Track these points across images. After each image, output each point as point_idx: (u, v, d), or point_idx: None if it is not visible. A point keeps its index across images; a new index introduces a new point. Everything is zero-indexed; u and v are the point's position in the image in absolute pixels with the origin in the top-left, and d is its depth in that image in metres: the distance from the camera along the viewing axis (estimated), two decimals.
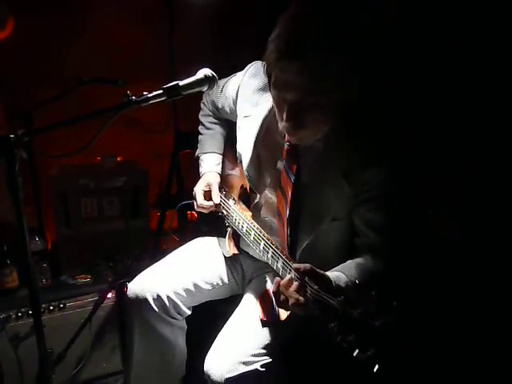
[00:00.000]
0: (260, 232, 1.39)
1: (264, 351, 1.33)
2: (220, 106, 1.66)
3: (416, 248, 1.53)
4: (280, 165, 1.41)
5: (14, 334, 1.88)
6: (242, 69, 1.53)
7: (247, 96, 1.46)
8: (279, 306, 1.20)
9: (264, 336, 1.36)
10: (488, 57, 1.73)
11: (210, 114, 1.74)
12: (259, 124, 1.40)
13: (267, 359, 1.33)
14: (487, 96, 1.74)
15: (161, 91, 1.14)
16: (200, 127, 1.78)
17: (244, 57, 1.57)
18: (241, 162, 1.48)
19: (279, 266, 1.25)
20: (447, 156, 1.85)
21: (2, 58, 2.36)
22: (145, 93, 1.11)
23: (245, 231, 1.47)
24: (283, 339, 1.38)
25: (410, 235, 1.33)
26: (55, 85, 2.31)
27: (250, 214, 1.54)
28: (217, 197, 1.59)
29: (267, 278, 1.56)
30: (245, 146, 1.46)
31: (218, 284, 1.63)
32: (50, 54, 2.50)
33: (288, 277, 1.13)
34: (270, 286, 1.48)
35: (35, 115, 2.20)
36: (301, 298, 1.06)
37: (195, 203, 1.64)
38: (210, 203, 1.60)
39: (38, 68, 2.46)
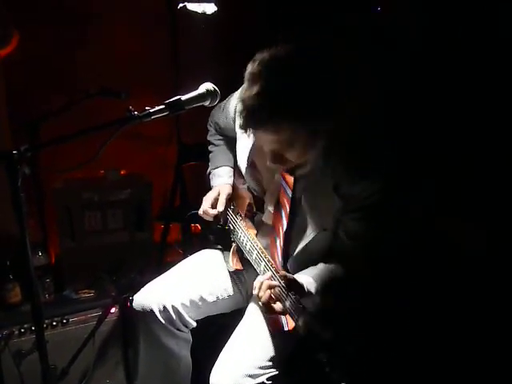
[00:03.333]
0: (262, 252, 1.41)
1: (270, 364, 1.34)
2: (222, 126, 1.71)
3: (403, 260, 1.59)
4: (277, 177, 1.46)
5: (17, 350, 1.87)
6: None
7: None
8: (259, 299, 1.27)
9: (269, 348, 1.36)
10: (488, 59, 1.73)
11: (216, 133, 1.79)
12: (252, 140, 1.46)
13: (273, 371, 1.33)
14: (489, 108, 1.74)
15: (163, 106, 1.15)
16: (209, 146, 1.82)
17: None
18: (241, 174, 1.56)
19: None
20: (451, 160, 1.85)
21: (8, 71, 2.38)
22: (147, 108, 1.12)
23: (248, 249, 1.50)
24: (288, 351, 1.38)
25: (390, 247, 1.36)
26: (60, 97, 2.33)
27: (255, 232, 1.56)
28: (222, 206, 1.62)
29: None
30: (241, 160, 1.53)
31: (222, 296, 1.63)
32: (54, 67, 2.53)
33: (268, 273, 1.29)
34: None
35: (40, 127, 2.21)
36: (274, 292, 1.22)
37: (201, 209, 1.65)
38: (214, 211, 1.61)
39: (42, 80, 2.49)
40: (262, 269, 1.37)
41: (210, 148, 1.81)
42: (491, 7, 1.73)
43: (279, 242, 1.42)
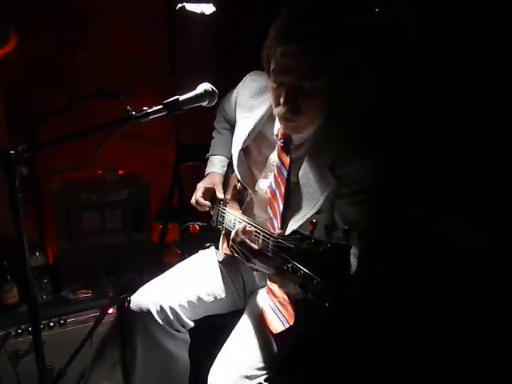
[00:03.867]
0: (250, 221, 1.38)
1: (267, 365, 1.34)
2: (228, 113, 1.73)
3: (401, 247, 1.57)
4: (273, 156, 1.45)
5: (14, 350, 1.86)
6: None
7: (243, 102, 1.55)
8: (234, 252, 1.29)
9: (267, 349, 1.36)
10: (488, 59, 1.73)
11: (223, 120, 1.80)
12: (253, 124, 1.47)
13: (271, 373, 1.33)
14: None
15: (161, 106, 1.15)
16: (213, 132, 1.84)
17: (247, 68, 1.59)
18: (232, 161, 1.55)
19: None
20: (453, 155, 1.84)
21: (7, 70, 2.37)
22: (145, 108, 1.12)
23: (233, 224, 1.49)
24: (285, 352, 1.38)
25: (389, 233, 1.34)
26: (57, 97, 2.33)
27: (241, 211, 1.57)
28: (221, 194, 1.62)
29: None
30: (236, 146, 1.52)
31: (220, 296, 1.63)
32: (53, 67, 2.52)
33: (243, 224, 1.29)
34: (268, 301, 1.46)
35: (38, 127, 2.21)
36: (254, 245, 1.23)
37: (193, 200, 1.64)
38: (207, 202, 1.61)
39: (41, 80, 2.48)
40: (253, 237, 1.33)
41: (214, 134, 1.83)
42: (491, 7, 1.73)
43: (276, 224, 1.39)
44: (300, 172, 1.35)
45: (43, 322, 1.91)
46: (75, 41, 2.57)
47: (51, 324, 1.94)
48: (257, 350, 1.36)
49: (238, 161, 1.52)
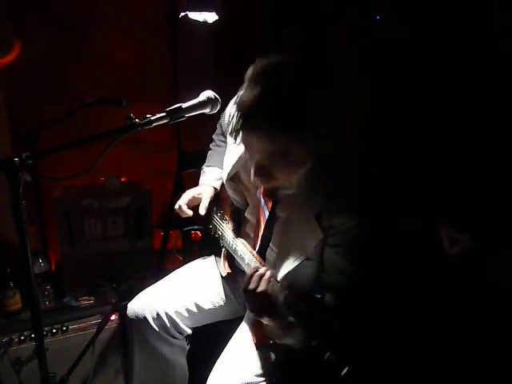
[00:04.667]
0: (245, 246, 1.39)
1: (266, 371, 1.32)
2: (223, 129, 1.70)
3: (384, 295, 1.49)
4: (257, 195, 1.43)
5: (17, 357, 1.87)
6: None
7: None
8: (244, 292, 1.22)
9: (266, 356, 1.35)
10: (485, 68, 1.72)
11: (221, 132, 1.78)
12: (241, 151, 1.42)
13: (269, 379, 1.32)
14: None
15: (164, 114, 1.15)
16: (211, 144, 1.82)
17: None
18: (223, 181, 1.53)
19: None
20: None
21: (9, 79, 2.39)
22: (148, 115, 1.12)
23: (234, 249, 1.48)
24: (284, 359, 1.35)
25: (371, 284, 1.31)
26: (61, 104, 2.34)
27: (234, 233, 1.55)
28: (203, 210, 1.59)
29: None
30: (226, 168, 1.50)
31: (218, 303, 1.62)
32: (55, 74, 2.54)
33: (263, 269, 1.21)
34: None
35: (41, 135, 2.22)
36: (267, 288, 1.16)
37: (176, 204, 1.62)
38: (189, 212, 1.59)
39: (43, 88, 2.50)
40: (246, 263, 1.34)
41: (211, 146, 1.81)
42: (489, 10, 1.73)
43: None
44: (287, 213, 1.33)
45: (46, 328, 1.91)
46: (78, 49, 2.59)
47: (54, 331, 1.95)
48: (256, 356, 1.35)
49: (228, 186, 1.52)
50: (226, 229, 1.58)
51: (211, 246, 1.71)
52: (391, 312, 1.64)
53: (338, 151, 1.24)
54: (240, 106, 1.16)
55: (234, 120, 1.18)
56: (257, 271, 1.21)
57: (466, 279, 1.61)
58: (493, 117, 1.65)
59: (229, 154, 1.51)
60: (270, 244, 1.37)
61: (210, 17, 2.48)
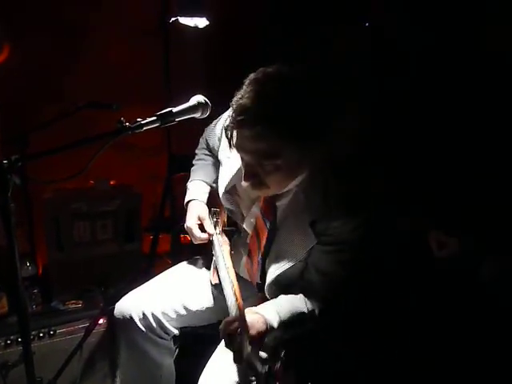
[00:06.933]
0: (229, 276, 1.38)
1: (257, 371, 1.31)
2: (211, 145, 1.70)
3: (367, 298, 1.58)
4: (256, 208, 1.44)
5: (3, 361, 1.85)
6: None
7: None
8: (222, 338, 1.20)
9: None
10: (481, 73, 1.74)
11: (205, 148, 1.78)
12: (236, 167, 1.43)
13: (261, 379, 1.31)
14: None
15: (154, 118, 1.16)
16: (194, 160, 1.81)
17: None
18: (219, 195, 1.53)
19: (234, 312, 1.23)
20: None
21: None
22: (138, 119, 1.13)
23: (220, 266, 1.46)
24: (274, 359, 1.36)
25: (356, 287, 1.36)
26: (51, 107, 2.33)
27: (229, 248, 1.56)
28: (211, 228, 1.59)
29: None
30: (222, 182, 1.50)
31: (206, 305, 1.62)
32: (46, 77, 2.53)
33: (233, 317, 1.19)
34: None
35: (31, 138, 2.21)
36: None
37: (193, 239, 1.61)
38: (206, 235, 1.58)
39: (34, 91, 2.49)
40: (227, 292, 1.33)
41: (194, 161, 1.80)
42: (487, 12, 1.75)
43: (255, 267, 1.42)
44: (281, 222, 1.35)
45: (33, 332, 1.90)
46: (69, 52, 2.59)
47: (41, 335, 1.93)
48: None
49: (224, 198, 1.51)
50: (217, 238, 1.58)
51: (203, 251, 1.71)
52: (378, 311, 1.65)
53: (335, 158, 1.28)
54: (234, 104, 1.19)
55: (231, 117, 1.21)
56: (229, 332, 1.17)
57: (455, 280, 1.64)
58: (486, 120, 1.67)
59: (224, 169, 1.52)
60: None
61: (201, 22, 2.49)
